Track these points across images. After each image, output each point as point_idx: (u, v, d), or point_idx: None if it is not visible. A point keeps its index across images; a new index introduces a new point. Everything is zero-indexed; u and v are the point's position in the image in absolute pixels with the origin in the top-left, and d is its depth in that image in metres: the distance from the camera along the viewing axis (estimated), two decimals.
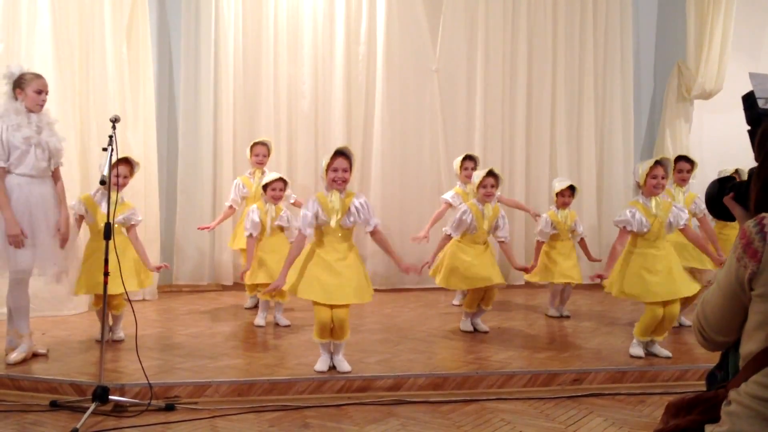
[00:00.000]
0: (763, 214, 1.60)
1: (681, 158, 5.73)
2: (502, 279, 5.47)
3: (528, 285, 7.88)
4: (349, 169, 4.27)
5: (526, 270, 5.70)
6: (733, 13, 7.58)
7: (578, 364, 4.57)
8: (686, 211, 4.87)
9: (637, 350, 4.74)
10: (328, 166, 4.25)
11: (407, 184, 7.57)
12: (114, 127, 3.93)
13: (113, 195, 4.60)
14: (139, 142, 6.51)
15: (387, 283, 7.52)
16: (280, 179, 5.58)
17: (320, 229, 4.29)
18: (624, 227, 4.71)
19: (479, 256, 5.32)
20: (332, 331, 4.29)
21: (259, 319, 5.63)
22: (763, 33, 8.11)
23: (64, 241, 4.51)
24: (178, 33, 7.29)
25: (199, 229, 6.37)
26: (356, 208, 4.28)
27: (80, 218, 4.86)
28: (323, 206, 4.25)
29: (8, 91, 4.37)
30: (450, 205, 6.26)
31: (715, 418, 1.66)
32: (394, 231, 7.58)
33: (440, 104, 7.69)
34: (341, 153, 4.28)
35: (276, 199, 5.55)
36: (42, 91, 4.38)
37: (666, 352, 4.73)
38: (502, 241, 5.42)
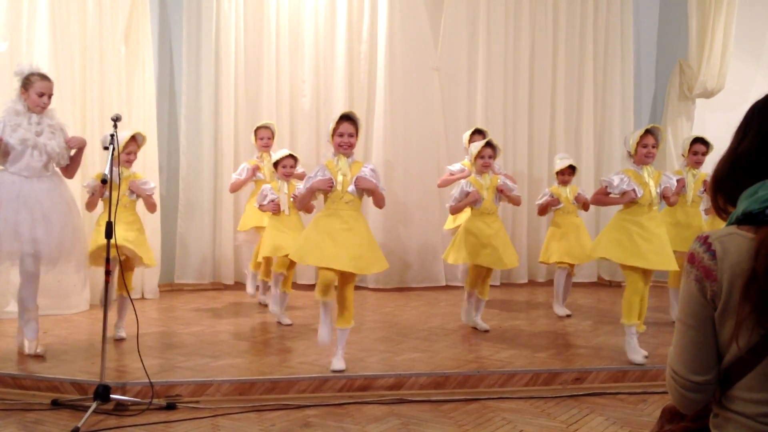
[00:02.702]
0: (706, 233, 1.60)
1: (698, 140, 5.66)
2: (516, 263, 5.50)
3: (530, 283, 7.89)
4: (355, 133, 4.30)
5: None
6: (734, 11, 7.56)
7: (579, 363, 4.56)
8: (674, 180, 4.90)
9: (637, 356, 4.51)
10: (334, 130, 4.27)
11: (409, 183, 7.57)
12: (115, 126, 3.94)
13: (125, 171, 4.77)
14: None
15: (389, 282, 7.52)
16: (290, 156, 5.63)
17: (328, 197, 4.29)
18: (605, 187, 4.74)
19: (494, 236, 5.27)
20: (337, 312, 4.29)
21: (250, 289, 5.84)
22: (765, 31, 8.09)
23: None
24: (180, 32, 7.30)
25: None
26: (367, 172, 4.29)
27: (97, 193, 4.81)
28: (331, 171, 4.26)
29: (18, 88, 4.41)
30: (453, 175, 6.34)
31: (707, 427, 1.66)
32: (397, 230, 7.60)
33: (441, 102, 7.69)
34: (347, 117, 4.29)
35: (287, 176, 5.59)
36: (44, 94, 4.40)
37: (641, 352, 4.61)
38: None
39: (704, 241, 1.58)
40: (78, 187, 5.28)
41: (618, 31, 8.18)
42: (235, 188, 6.31)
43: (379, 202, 4.40)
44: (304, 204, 4.55)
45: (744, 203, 1.57)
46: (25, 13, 5.81)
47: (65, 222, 4.47)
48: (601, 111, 8.23)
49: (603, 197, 4.82)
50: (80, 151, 4.67)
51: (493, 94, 7.84)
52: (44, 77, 4.43)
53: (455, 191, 5.33)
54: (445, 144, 7.62)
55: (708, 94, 7.75)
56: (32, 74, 4.40)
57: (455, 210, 5.40)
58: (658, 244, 4.60)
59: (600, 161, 8.17)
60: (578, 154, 8.03)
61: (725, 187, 1.64)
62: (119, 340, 4.96)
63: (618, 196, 4.69)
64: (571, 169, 6.07)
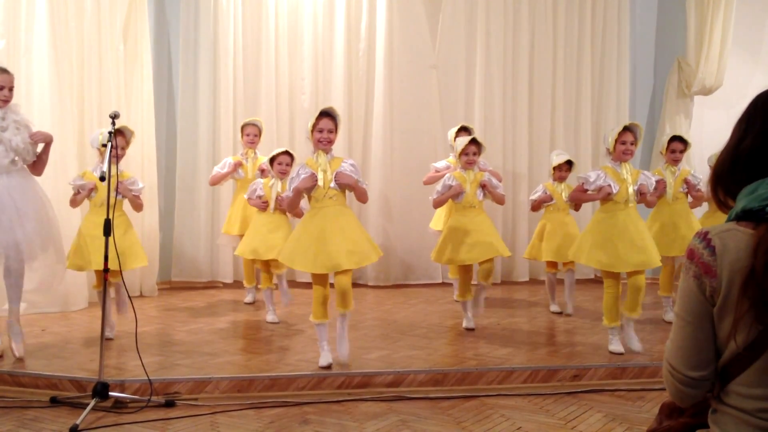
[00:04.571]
0: (706, 229, 1.59)
1: (675, 138, 5.70)
2: (502, 252, 5.29)
3: (532, 281, 7.88)
4: (334, 129, 4.28)
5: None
6: (733, 8, 7.57)
7: (578, 360, 4.57)
8: (653, 179, 4.91)
9: (616, 346, 4.68)
10: (314, 126, 4.26)
11: (407, 180, 7.57)
12: (113, 123, 3.94)
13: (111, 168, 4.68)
14: (137, 140, 6.45)
15: (387, 279, 7.54)
16: (287, 153, 5.59)
17: (312, 196, 4.28)
18: (582, 183, 4.77)
19: (477, 230, 5.19)
20: (336, 298, 4.28)
21: (270, 315, 5.61)
22: (764, 29, 8.09)
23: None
24: (177, 30, 7.29)
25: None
26: (347, 167, 4.29)
27: (84, 192, 4.76)
28: (312, 168, 4.25)
29: None
30: (439, 172, 6.27)
31: (706, 422, 1.67)
32: (394, 227, 7.60)
33: (439, 101, 7.69)
34: (326, 113, 4.27)
35: (282, 174, 5.53)
36: (3, 87, 4.37)
37: (638, 345, 4.64)
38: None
39: (704, 236, 1.58)
40: (49, 183, 5.19)
41: (615, 30, 8.17)
42: (215, 181, 6.28)
43: (361, 197, 4.40)
44: (293, 207, 4.53)
45: (744, 200, 1.57)
46: (24, 11, 5.80)
47: (40, 214, 4.47)
48: (597, 109, 8.23)
49: (580, 194, 4.85)
50: (47, 146, 4.62)
51: (490, 93, 7.83)
52: (3, 70, 4.42)
53: (439, 185, 5.32)
54: (443, 142, 7.60)
55: (706, 92, 7.76)
56: None
57: (437, 203, 5.36)
58: (638, 242, 4.61)
59: (597, 160, 8.17)
60: (577, 152, 8.03)
61: (725, 183, 1.64)
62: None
63: (595, 192, 4.71)
64: (569, 165, 6.08)
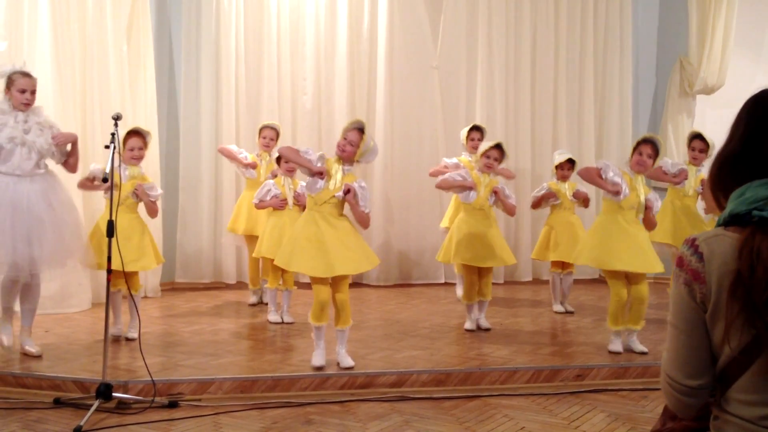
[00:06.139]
0: (694, 236, 1.60)
1: (696, 137, 5.67)
2: (509, 260, 5.40)
3: (535, 281, 7.88)
4: (356, 143, 4.26)
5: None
6: (735, 7, 7.56)
7: (581, 359, 4.57)
8: (659, 203, 4.88)
9: (615, 345, 4.70)
10: (344, 132, 4.33)
11: (408, 180, 7.58)
12: (116, 125, 3.95)
13: (133, 170, 4.82)
14: None
15: (388, 279, 7.54)
16: None
17: (313, 198, 4.26)
18: (600, 169, 4.74)
19: (486, 234, 5.22)
20: (335, 315, 4.29)
21: (272, 315, 5.61)
22: (766, 28, 8.08)
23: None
24: (179, 30, 7.30)
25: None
26: (356, 187, 4.26)
27: (100, 187, 4.73)
28: (328, 167, 4.25)
29: (4, 88, 4.42)
30: (447, 168, 6.20)
31: (708, 426, 1.67)
32: (395, 227, 7.60)
33: (441, 101, 7.70)
34: (359, 129, 4.29)
35: (290, 172, 5.57)
36: (26, 91, 4.39)
37: (642, 348, 4.68)
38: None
39: (691, 243, 1.59)
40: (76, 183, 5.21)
41: (617, 29, 8.18)
42: (225, 153, 6.20)
43: (361, 221, 4.27)
44: (294, 155, 4.37)
45: (731, 205, 1.58)
46: (26, 12, 5.80)
47: (60, 223, 4.44)
48: (600, 108, 8.24)
49: (594, 175, 4.76)
50: (75, 144, 4.63)
51: (492, 93, 7.83)
52: (26, 74, 4.43)
53: (454, 172, 5.33)
54: (444, 142, 7.63)
55: (708, 91, 7.75)
56: (14, 72, 4.41)
57: (442, 182, 5.31)
58: (636, 245, 4.62)
59: (600, 159, 8.17)
60: (580, 151, 8.02)
61: (721, 188, 1.64)
62: (131, 340, 4.88)
63: (608, 183, 4.69)
64: (571, 164, 6.07)
